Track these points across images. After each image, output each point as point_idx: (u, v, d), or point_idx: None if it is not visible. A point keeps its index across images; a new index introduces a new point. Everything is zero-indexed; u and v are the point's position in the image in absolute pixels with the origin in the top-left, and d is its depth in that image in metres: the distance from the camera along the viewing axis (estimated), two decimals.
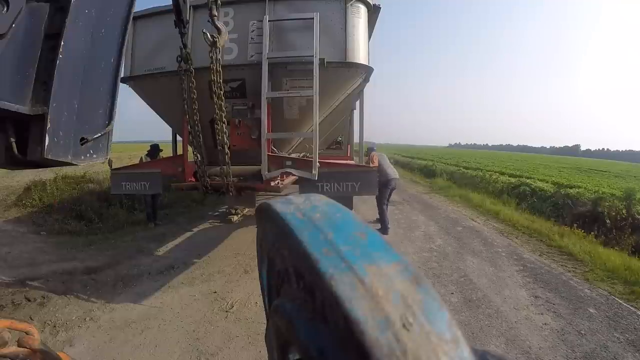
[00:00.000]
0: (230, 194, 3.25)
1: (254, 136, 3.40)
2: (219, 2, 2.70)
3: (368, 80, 4.07)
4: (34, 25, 0.71)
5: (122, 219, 6.38)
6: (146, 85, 3.69)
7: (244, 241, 5.13)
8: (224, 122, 2.94)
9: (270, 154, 3.24)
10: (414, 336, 0.16)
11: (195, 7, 3.24)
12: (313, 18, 3.03)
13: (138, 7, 3.44)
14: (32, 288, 3.50)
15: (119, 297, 3.41)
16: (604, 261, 4.38)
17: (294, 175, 3.28)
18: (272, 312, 0.28)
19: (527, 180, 10.86)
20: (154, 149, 6.09)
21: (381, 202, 5.57)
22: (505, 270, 4.13)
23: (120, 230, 5.91)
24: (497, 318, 2.99)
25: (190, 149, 3.56)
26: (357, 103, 5.29)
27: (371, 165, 4.97)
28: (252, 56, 3.26)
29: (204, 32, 2.73)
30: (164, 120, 4.21)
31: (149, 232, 5.77)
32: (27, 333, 0.67)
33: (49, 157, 0.74)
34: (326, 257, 0.20)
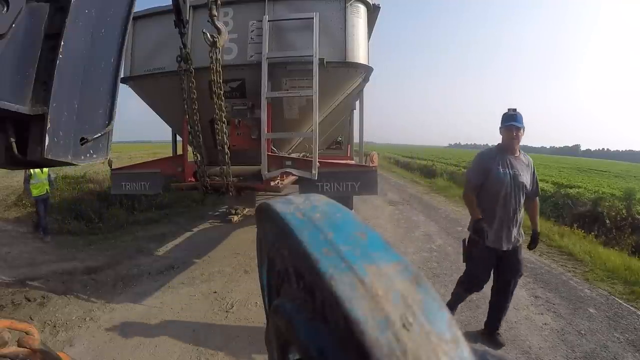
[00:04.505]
0: (230, 194, 3.25)
1: (253, 136, 3.40)
2: (218, 2, 2.70)
3: (368, 80, 4.06)
4: (34, 25, 0.71)
5: (122, 219, 6.39)
6: (146, 85, 3.68)
7: (244, 241, 5.13)
8: (223, 122, 2.94)
9: (270, 154, 3.24)
10: (414, 336, 0.16)
11: (195, 7, 3.24)
12: (312, 18, 3.03)
13: (138, 7, 3.43)
14: (32, 288, 3.50)
15: (119, 297, 3.41)
16: (604, 261, 4.38)
17: (294, 175, 3.27)
18: (272, 312, 0.28)
19: None
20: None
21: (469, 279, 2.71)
22: None
23: (120, 230, 5.91)
24: None
25: (190, 149, 3.56)
26: (357, 103, 5.29)
27: (371, 164, 4.97)
28: (251, 56, 3.25)
29: (203, 32, 2.72)
30: (163, 120, 4.21)
31: (149, 232, 5.77)
32: (27, 333, 0.68)
33: (49, 157, 0.74)
34: (326, 257, 0.20)
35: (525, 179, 2.49)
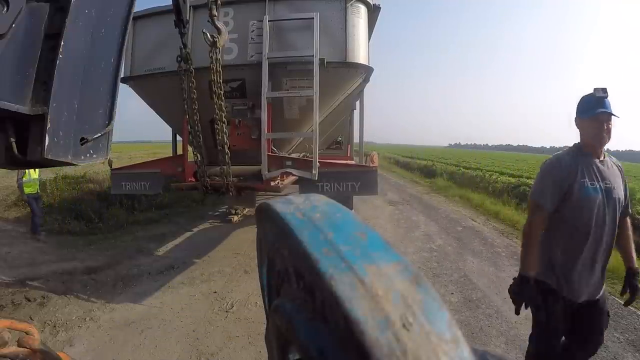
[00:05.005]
0: (230, 194, 3.25)
1: (254, 136, 3.40)
2: (219, 2, 2.70)
3: (368, 80, 4.06)
4: (34, 25, 0.71)
5: (122, 219, 6.38)
6: (146, 85, 3.69)
7: (244, 241, 5.13)
8: (224, 122, 2.94)
9: (270, 154, 3.24)
10: (414, 336, 0.16)
11: (195, 7, 3.24)
12: (313, 18, 3.03)
13: (138, 7, 3.43)
14: (32, 288, 3.50)
15: (119, 297, 3.41)
16: None
17: (294, 175, 3.28)
18: (272, 312, 0.28)
19: (527, 180, 10.86)
20: None
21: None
22: (506, 270, 4.13)
23: (120, 230, 5.91)
24: (497, 318, 2.98)
25: (190, 149, 3.56)
26: (357, 103, 5.29)
27: (371, 164, 4.97)
28: (252, 56, 3.26)
29: (204, 32, 2.73)
30: (164, 120, 4.21)
31: (149, 232, 5.77)
32: (27, 333, 0.68)
33: (49, 157, 0.74)
34: (326, 257, 0.20)
35: (620, 192, 1.65)
